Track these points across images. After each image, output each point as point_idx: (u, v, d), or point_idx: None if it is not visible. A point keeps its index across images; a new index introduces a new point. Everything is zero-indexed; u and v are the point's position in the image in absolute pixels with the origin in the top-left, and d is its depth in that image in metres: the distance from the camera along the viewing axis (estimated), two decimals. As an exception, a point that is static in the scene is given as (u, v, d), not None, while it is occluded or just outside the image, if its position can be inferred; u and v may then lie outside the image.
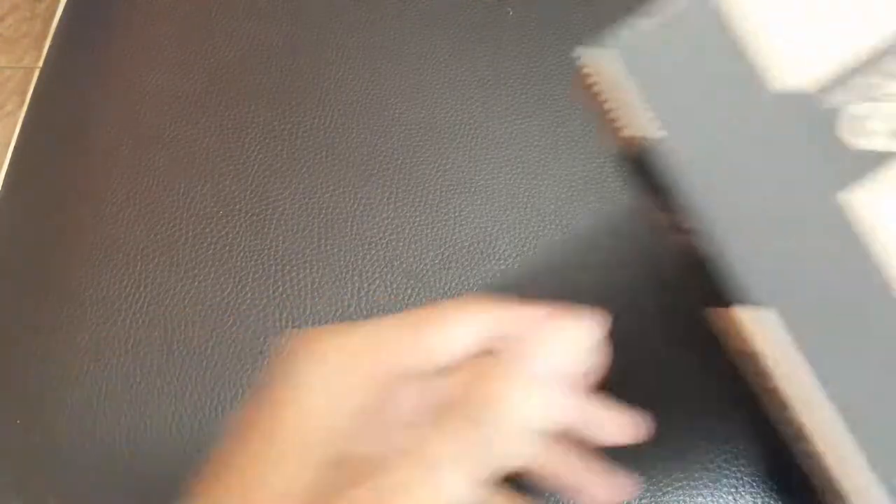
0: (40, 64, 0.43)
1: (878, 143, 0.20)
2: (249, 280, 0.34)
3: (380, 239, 0.34)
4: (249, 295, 0.34)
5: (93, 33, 0.42)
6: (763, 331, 0.20)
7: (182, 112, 0.38)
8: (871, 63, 0.20)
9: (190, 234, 0.35)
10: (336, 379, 0.20)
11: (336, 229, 0.35)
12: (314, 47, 0.38)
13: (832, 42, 0.21)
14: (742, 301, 0.20)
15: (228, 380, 0.32)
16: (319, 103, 0.37)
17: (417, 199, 0.35)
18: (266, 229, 0.35)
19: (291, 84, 0.36)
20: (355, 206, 0.35)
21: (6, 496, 0.32)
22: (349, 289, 0.34)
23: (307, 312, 0.33)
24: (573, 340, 0.19)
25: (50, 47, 0.43)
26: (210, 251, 0.34)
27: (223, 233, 0.35)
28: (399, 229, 0.34)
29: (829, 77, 0.20)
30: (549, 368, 0.18)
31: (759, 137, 0.20)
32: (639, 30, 0.20)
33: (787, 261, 0.20)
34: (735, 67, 0.21)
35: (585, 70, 0.21)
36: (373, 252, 0.34)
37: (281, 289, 0.34)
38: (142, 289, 0.34)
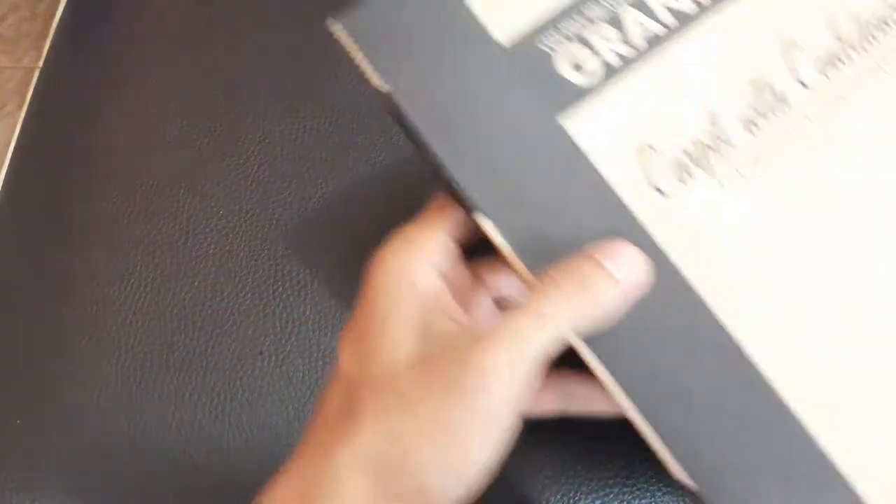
0: (40, 64, 0.44)
1: (588, 77, 0.24)
2: (249, 280, 0.34)
3: (380, 239, 0.34)
4: (249, 295, 0.34)
5: (93, 33, 0.42)
6: (496, 238, 0.24)
7: (182, 112, 0.38)
8: (577, 8, 0.25)
9: (190, 234, 0.35)
10: (413, 256, 0.24)
11: (336, 230, 0.35)
12: (315, 48, 0.38)
13: None
14: (478, 212, 0.24)
15: (228, 380, 0.32)
16: (320, 103, 0.37)
17: (417, 200, 0.35)
18: (266, 229, 0.35)
19: (292, 84, 0.36)
20: (355, 206, 0.35)
21: (6, 496, 0.32)
22: (350, 290, 0.34)
23: (307, 312, 0.33)
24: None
25: (50, 47, 0.43)
26: (210, 251, 0.34)
27: (223, 233, 0.35)
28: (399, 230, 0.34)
29: (544, 22, 0.25)
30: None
31: (487, 80, 0.24)
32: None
33: (513, 175, 0.24)
34: (461, 22, 0.25)
35: (335, 35, 0.25)
36: (373, 253, 0.34)
37: (281, 289, 0.34)
38: (142, 289, 0.34)
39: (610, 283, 0.22)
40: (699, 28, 0.25)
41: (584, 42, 0.24)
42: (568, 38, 0.24)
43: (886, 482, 0.22)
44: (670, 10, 0.25)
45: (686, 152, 0.24)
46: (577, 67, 0.24)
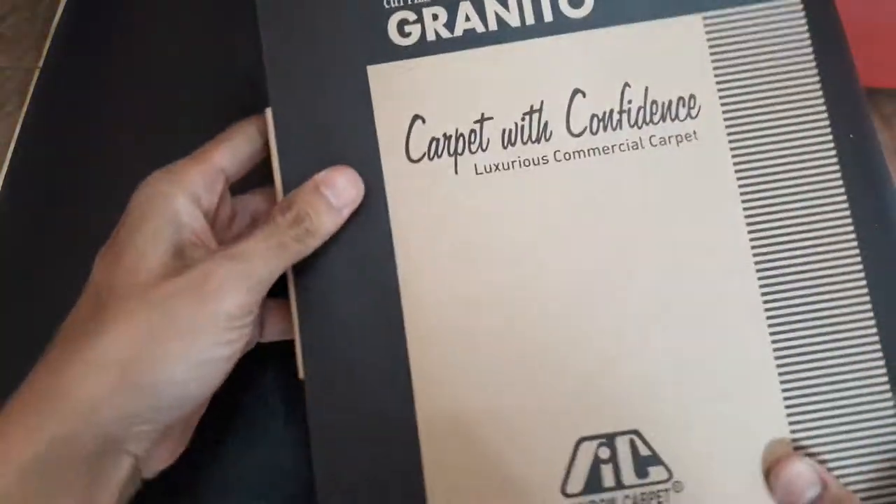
0: (40, 64, 0.44)
1: (407, 42, 0.28)
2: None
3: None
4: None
5: (93, 33, 0.42)
6: (271, 132, 0.28)
7: (184, 112, 0.38)
8: None
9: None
10: (170, 184, 0.27)
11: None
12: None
13: None
14: (269, 105, 0.29)
15: (228, 379, 0.32)
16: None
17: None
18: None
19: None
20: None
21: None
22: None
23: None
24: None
25: (50, 47, 0.43)
26: (210, 251, 0.34)
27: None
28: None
29: None
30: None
31: (331, 4, 0.29)
32: None
33: (309, 85, 0.28)
34: None
35: None
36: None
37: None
38: (142, 289, 0.34)
39: (330, 212, 0.27)
40: (513, 44, 0.28)
41: (418, 13, 0.28)
42: (407, 5, 0.29)
43: (437, 422, 0.27)
44: (498, 17, 0.28)
45: (446, 136, 0.28)
46: (402, 32, 0.28)
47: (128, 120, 0.39)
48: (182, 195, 0.27)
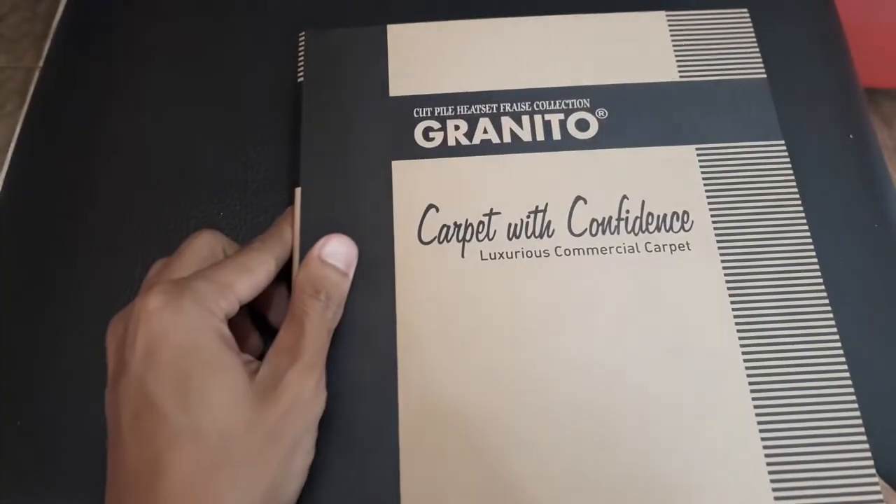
0: (40, 64, 0.44)
1: (430, 145, 0.32)
2: (249, 280, 0.34)
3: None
4: (249, 295, 0.33)
5: (93, 33, 0.42)
6: (297, 205, 0.31)
7: (183, 112, 0.38)
8: (459, 100, 0.33)
9: (191, 234, 0.35)
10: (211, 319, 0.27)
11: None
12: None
13: (439, 79, 0.33)
14: (299, 185, 0.32)
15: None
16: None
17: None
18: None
19: (294, 84, 0.36)
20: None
21: (6, 496, 0.32)
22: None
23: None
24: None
25: (50, 47, 0.43)
26: (210, 251, 0.34)
27: (225, 234, 0.35)
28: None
29: (428, 96, 0.33)
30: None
31: (363, 109, 0.33)
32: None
33: (337, 173, 0.32)
34: (374, 67, 0.34)
35: (300, 40, 0.35)
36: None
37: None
38: (142, 289, 0.34)
39: (339, 275, 0.29)
40: (524, 155, 0.32)
41: (442, 123, 0.32)
42: (432, 116, 0.32)
43: (416, 413, 0.28)
44: (513, 133, 0.32)
45: (456, 224, 0.30)
46: (426, 137, 0.32)
47: (128, 119, 0.39)
48: (222, 324, 0.27)
